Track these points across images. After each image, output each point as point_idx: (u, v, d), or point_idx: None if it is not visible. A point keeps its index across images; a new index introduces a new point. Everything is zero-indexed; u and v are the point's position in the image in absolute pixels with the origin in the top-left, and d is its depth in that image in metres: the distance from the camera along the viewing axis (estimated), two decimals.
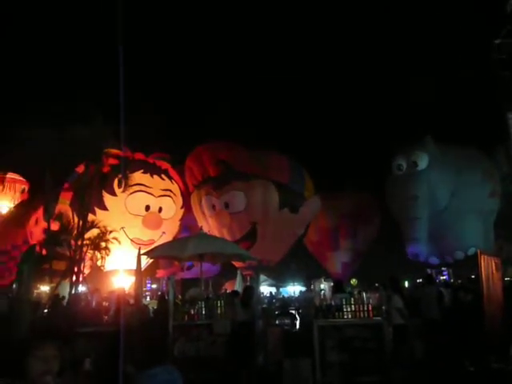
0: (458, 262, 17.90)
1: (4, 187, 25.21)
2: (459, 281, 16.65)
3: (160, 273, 21.93)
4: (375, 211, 23.32)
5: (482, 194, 17.63)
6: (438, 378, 7.23)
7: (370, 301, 8.34)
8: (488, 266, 9.16)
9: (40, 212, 19.67)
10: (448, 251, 17.88)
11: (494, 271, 9.26)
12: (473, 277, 12.93)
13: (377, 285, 10.26)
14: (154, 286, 25.81)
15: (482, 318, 7.85)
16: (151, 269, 21.04)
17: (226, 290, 19.60)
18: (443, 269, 19.75)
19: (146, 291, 23.92)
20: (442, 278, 19.63)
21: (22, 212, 22.18)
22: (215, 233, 16.90)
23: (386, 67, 46.49)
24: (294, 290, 25.35)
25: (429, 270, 18.11)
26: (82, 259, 14.53)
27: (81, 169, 16.54)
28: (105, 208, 17.34)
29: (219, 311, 8.26)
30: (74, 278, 13.70)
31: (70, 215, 15.82)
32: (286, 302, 16.55)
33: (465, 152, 18.18)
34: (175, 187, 19.71)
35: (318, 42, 55.69)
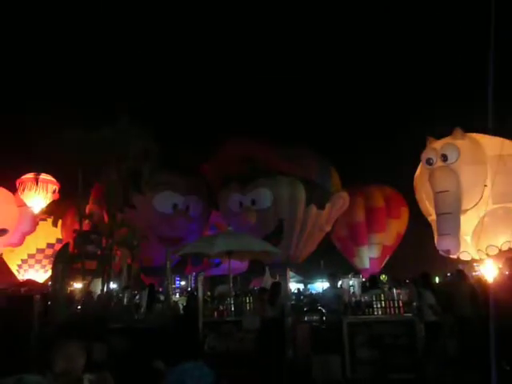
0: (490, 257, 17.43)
1: (37, 187, 25.99)
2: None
3: (189, 269, 22.19)
4: (403, 205, 22.99)
5: None
6: (472, 377, 7.09)
7: (401, 297, 8.24)
8: None
9: (72, 212, 20.23)
10: (480, 247, 17.44)
11: None
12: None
13: (407, 281, 10.11)
14: (183, 282, 26.18)
15: None
16: (180, 266, 21.32)
17: (254, 286, 19.69)
18: (475, 264, 19.28)
19: (175, 288, 24.29)
20: (474, 273, 19.18)
21: (54, 211, 22.83)
22: (242, 230, 16.97)
23: (414, 61, 45.57)
24: (322, 286, 25.25)
25: (460, 266, 17.70)
26: (112, 257, 14.84)
27: (110, 168, 16.86)
28: (133, 207, 17.65)
29: (248, 308, 8.33)
30: (106, 275, 14.02)
31: (100, 214, 16.18)
32: (314, 299, 16.50)
33: (499, 144, 17.61)
34: (202, 185, 19.85)
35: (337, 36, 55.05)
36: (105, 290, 13.13)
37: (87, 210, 16.81)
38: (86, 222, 15.25)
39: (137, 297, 15.15)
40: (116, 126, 15.08)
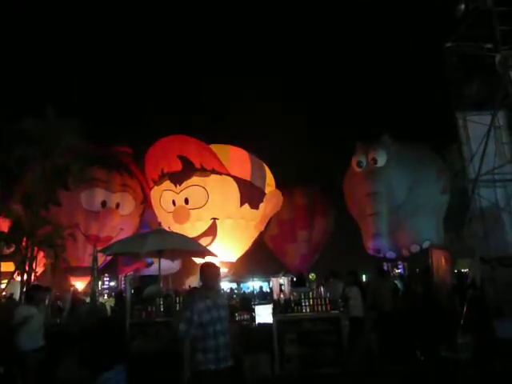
0: (413, 255, 18.59)
1: None
2: (412, 273, 17.30)
3: (122, 270, 21.48)
4: (329, 204, 24.00)
5: (435, 191, 18.38)
6: (391, 368, 7.49)
7: (328, 294, 8.51)
8: (438, 258, 9.58)
9: None
10: (404, 245, 18.54)
11: (444, 263, 9.69)
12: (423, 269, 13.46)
13: (331, 280, 10.48)
14: (112, 283, 25.29)
15: (432, 308, 8.19)
16: (111, 266, 20.58)
17: (189, 286, 19.42)
18: (398, 263, 20.46)
19: (104, 289, 23.39)
20: (397, 271, 20.33)
21: None
22: (175, 229, 16.69)
23: (344, 67, 47.40)
24: (253, 285, 25.47)
25: (385, 264, 18.68)
26: (33, 258, 13.99)
27: (33, 163, 15.87)
28: (58, 204, 16.75)
29: (178, 308, 8.19)
30: (26, 277, 13.19)
31: (21, 212, 15.20)
32: (247, 298, 16.56)
33: (419, 150, 18.87)
34: (134, 182, 19.26)
35: (280, 41, 56.02)
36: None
37: (7, 207, 15.70)
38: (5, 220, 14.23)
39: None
40: (42, 119, 14.27)
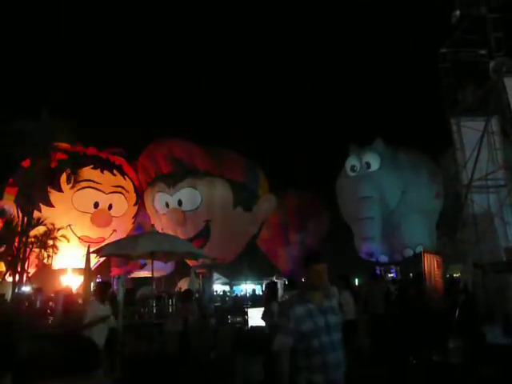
0: (406, 259, 18.66)
1: None
2: (404, 277, 17.35)
3: (114, 271, 21.35)
4: (322, 208, 24.06)
5: (429, 195, 18.47)
6: (383, 372, 7.49)
7: None
8: (431, 263, 9.61)
9: None
10: (397, 249, 18.61)
11: (436, 268, 9.73)
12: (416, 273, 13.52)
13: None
14: None
15: (424, 312, 8.21)
16: (103, 267, 20.43)
17: (180, 288, 19.36)
18: (391, 266, 20.52)
19: None
20: (389, 275, 20.38)
21: None
22: (168, 231, 16.65)
23: (339, 71, 47.61)
24: (246, 288, 25.45)
25: (378, 268, 18.74)
26: (26, 258, 13.88)
27: (27, 163, 15.78)
28: (51, 205, 16.64)
29: (171, 310, 8.16)
30: (18, 277, 13.07)
31: (15, 212, 15.10)
32: (239, 301, 16.55)
33: (413, 155, 18.97)
34: (128, 183, 19.17)
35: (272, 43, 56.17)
36: (16, 292, 12.20)
37: None
38: None
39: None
40: (36, 120, 14.20)
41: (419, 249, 17.24)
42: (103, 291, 6.30)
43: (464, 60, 11.31)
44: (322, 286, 3.20)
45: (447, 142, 12.33)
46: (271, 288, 8.45)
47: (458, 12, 11.04)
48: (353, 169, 19.01)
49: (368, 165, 18.49)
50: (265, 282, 16.68)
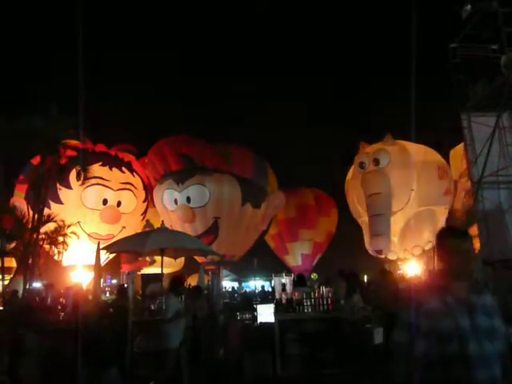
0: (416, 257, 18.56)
1: None
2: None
3: (125, 267, 21.49)
4: (333, 206, 24.01)
5: (439, 192, 18.32)
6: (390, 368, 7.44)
7: (330, 295, 8.48)
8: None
9: None
10: (406, 247, 18.49)
11: None
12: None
13: (333, 279, 10.47)
14: (115, 281, 25.30)
15: None
16: (113, 264, 20.58)
17: (189, 284, 19.43)
18: (399, 263, 20.40)
19: (106, 287, 23.40)
20: (398, 272, 20.26)
21: None
22: (177, 227, 16.71)
23: (348, 68, 47.38)
24: (255, 284, 25.52)
25: (386, 265, 18.65)
26: (36, 254, 14.01)
27: (36, 160, 15.90)
28: (60, 202, 16.76)
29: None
30: (29, 273, 13.19)
31: (25, 209, 15.23)
32: (248, 297, 16.60)
33: (422, 151, 18.81)
34: (137, 180, 19.24)
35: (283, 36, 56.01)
36: (27, 288, 12.32)
37: (10, 204, 15.75)
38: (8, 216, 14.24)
39: None
40: (44, 115, 14.28)
41: (428, 246, 17.17)
42: (179, 285, 6.45)
43: (475, 55, 11.20)
44: (467, 274, 2.32)
45: (457, 138, 12.24)
46: (352, 280, 8.24)
47: (468, 6, 10.92)
48: (362, 165, 18.89)
49: (377, 161, 18.36)
50: (274, 278, 16.62)
